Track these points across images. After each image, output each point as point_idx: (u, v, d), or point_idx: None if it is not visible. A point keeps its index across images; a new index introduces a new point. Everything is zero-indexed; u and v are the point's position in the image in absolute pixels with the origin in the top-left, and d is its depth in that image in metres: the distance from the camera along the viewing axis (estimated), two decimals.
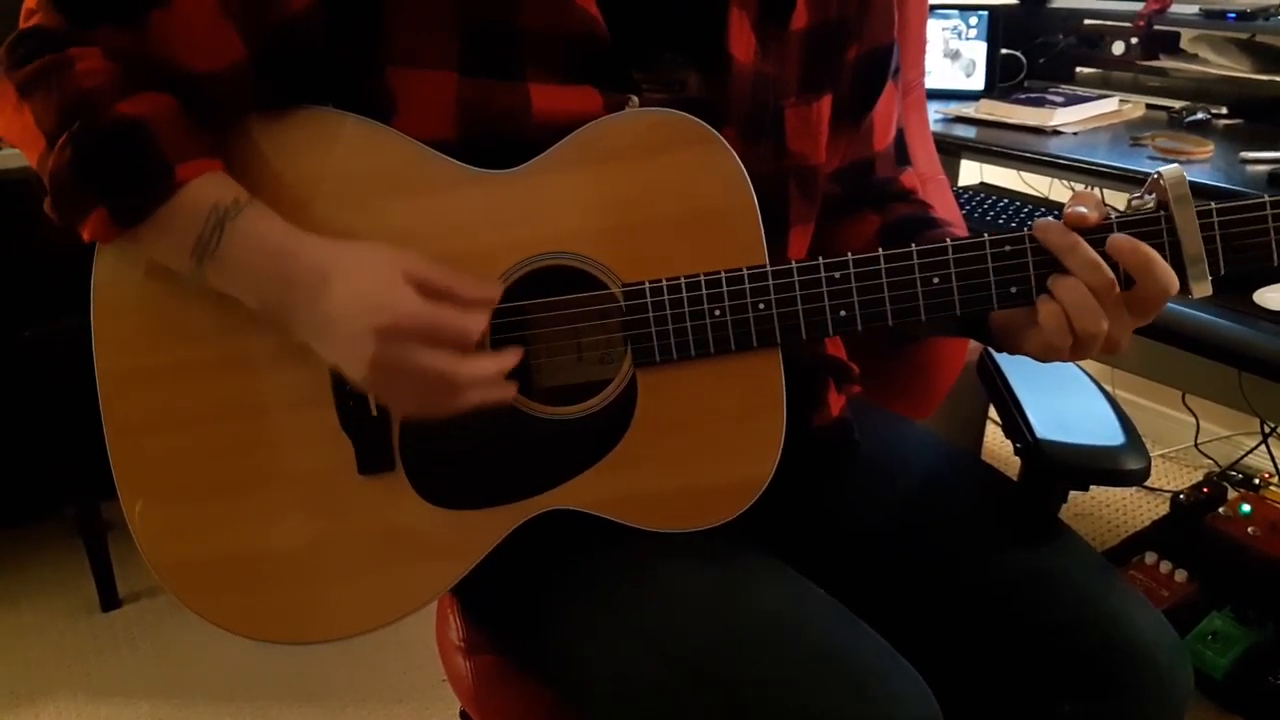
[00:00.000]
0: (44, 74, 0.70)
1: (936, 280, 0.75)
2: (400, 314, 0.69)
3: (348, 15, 0.74)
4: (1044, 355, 0.77)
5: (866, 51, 0.89)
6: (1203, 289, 0.73)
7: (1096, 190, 1.89)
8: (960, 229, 0.96)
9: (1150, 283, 0.72)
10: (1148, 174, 0.74)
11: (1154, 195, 0.74)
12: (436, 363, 0.70)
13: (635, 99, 0.78)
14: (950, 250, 0.75)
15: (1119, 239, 0.72)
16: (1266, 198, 0.72)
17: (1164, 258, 0.72)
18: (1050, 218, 0.74)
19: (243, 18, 0.72)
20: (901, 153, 0.98)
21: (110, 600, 1.94)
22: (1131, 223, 0.73)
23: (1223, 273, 0.73)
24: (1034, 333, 0.76)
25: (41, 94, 0.70)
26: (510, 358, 0.74)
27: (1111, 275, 0.72)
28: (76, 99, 0.70)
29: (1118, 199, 1.50)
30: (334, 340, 0.72)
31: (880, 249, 0.75)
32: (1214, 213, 0.72)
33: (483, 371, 0.72)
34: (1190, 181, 0.73)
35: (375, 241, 0.73)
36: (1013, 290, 0.75)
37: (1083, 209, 0.73)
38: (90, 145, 0.69)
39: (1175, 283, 0.72)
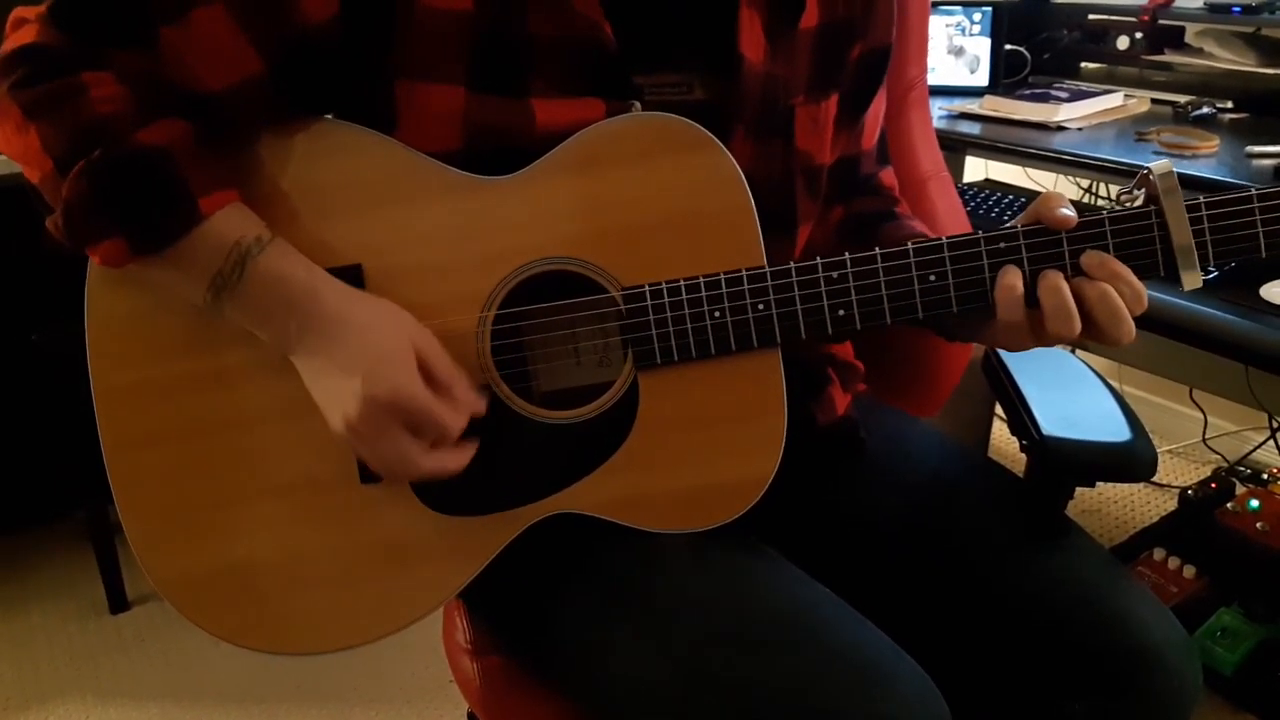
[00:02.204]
0: (55, 98, 0.69)
1: (933, 278, 0.75)
2: (398, 393, 0.70)
3: (364, 26, 0.73)
4: (1007, 344, 0.78)
5: (868, 51, 0.89)
6: (1193, 281, 0.74)
7: (1101, 186, 1.89)
8: (958, 222, 0.96)
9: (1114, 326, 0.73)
10: None
11: (1144, 190, 0.75)
12: (409, 450, 0.72)
13: (638, 105, 0.78)
14: (946, 248, 0.75)
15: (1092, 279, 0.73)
16: (1253, 190, 0.73)
17: (1155, 250, 0.74)
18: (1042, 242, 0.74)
19: (258, 30, 0.72)
20: (883, 152, 0.99)
21: (119, 603, 1.95)
22: (1122, 218, 0.74)
23: (1212, 264, 0.74)
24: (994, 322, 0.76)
25: (52, 118, 0.69)
26: (469, 451, 0.75)
27: (1114, 308, 0.73)
28: (94, 126, 0.68)
29: None
30: (325, 387, 0.73)
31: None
32: (1202, 206, 0.73)
33: (445, 467, 0.74)
34: (1196, 176, 0.73)
35: (395, 306, 0.74)
36: None
37: (1065, 211, 0.74)
38: (111, 174, 0.69)
39: (1133, 312, 0.73)
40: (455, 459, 0.74)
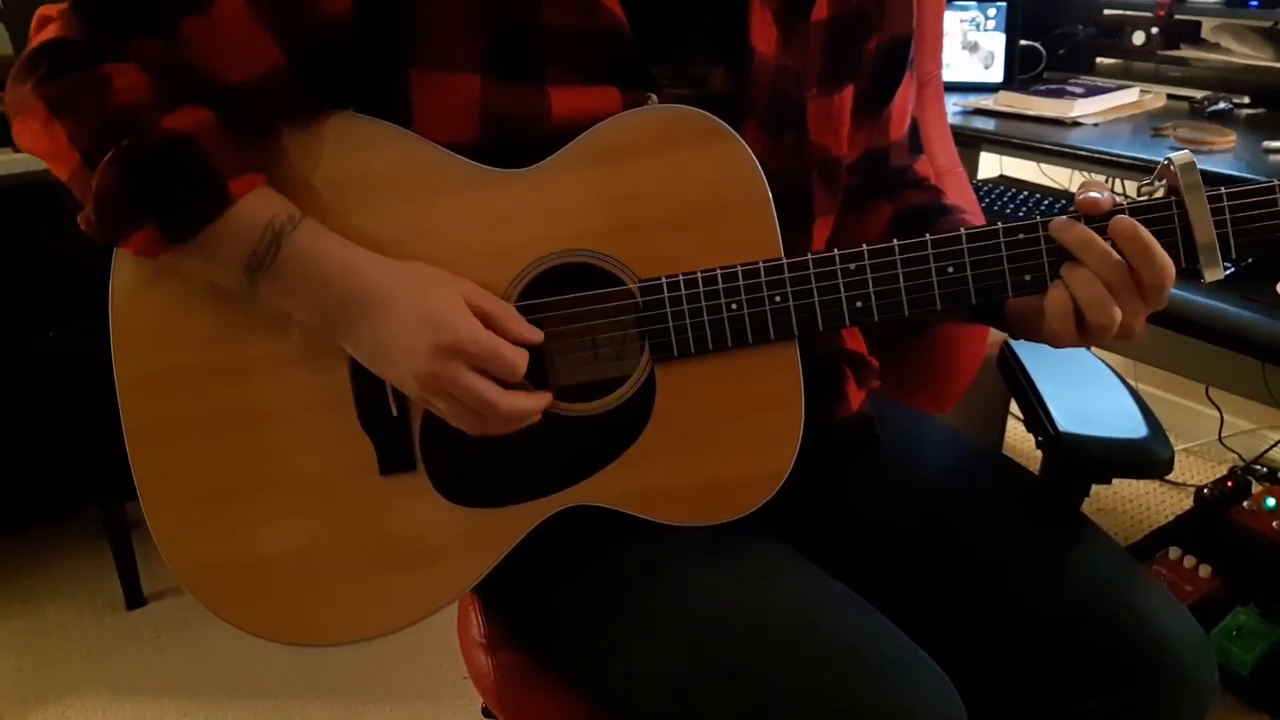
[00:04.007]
0: (78, 90, 0.69)
1: (951, 269, 0.75)
2: (461, 336, 0.71)
3: (380, 16, 0.74)
4: (1054, 342, 0.77)
5: (886, 42, 0.88)
6: (1214, 273, 0.73)
7: (1117, 182, 1.88)
8: (977, 216, 0.95)
9: (1148, 269, 0.72)
10: None
11: (1164, 181, 0.75)
12: (485, 391, 0.72)
13: (654, 97, 0.78)
14: (964, 239, 0.75)
15: (1122, 222, 0.72)
16: (1276, 182, 0.73)
17: (1176, 243, 0.73)
18: (1064, 216, 0.74)
19: (277, 22, 0.72)
20: (915, 141, 0.98)
21: (135, 598, 1.96)
22: (1143, 209, 0.74)
23: (1234, 256, 0.74)
24: (1045, 319, 0.76)
25: (77, 111, 0.69)
26: (545, 398, 0.76)
27: (1127, 272, 0.72)
28: (119, 116, 0.69)
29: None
30: (390, 356, 0.73)
31: (892, 238, 0.75)
32: (1224, 197, 0.73)
33: (522, 408, 0.74)
34: (1213, 172, 0.73)
35: (429, 266, 0.74)
36: (1027, 278, 0.75)
37: (1094, 195, 0.73)
38: (140, 162, 0.69)
39: (1172, 268, 0.72)
40: (535, 402, 0.75)
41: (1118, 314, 0.72)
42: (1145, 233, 0.72)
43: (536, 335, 0.75)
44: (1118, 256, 0.72)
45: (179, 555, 0.80)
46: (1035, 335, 0.80)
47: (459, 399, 0.72)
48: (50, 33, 0.72)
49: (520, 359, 0.73)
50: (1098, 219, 0.73)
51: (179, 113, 0.70)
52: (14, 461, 2.03)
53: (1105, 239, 0.72)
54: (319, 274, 0.72)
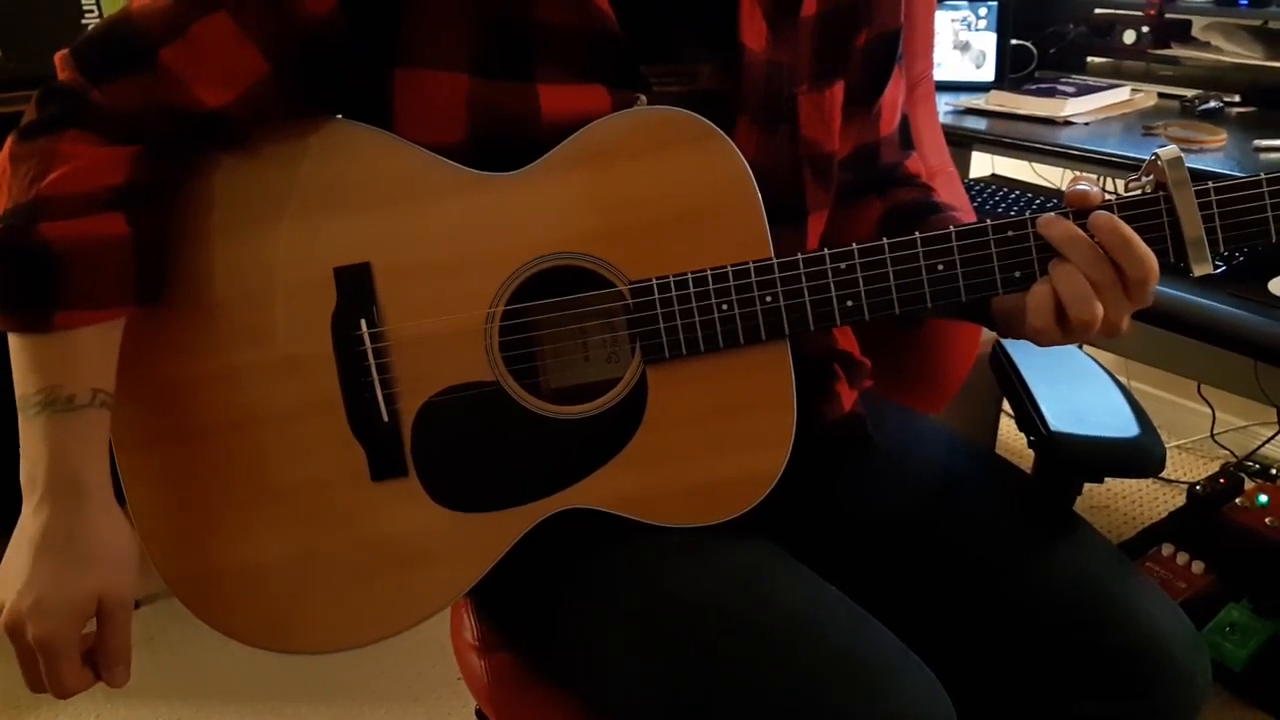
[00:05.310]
0: (26, 159, 0.71)
1: (941, 267, 0.75)
2: (55, 628, 0.73)
3: (366, 16, 0.73)
4: (1036, 339, 0.77)
5: (875, 36, 0.88)
6: (1203, 268, 0.74)
7: (1108, 181, 1.89)
8: (968, 214, 0.95)
9: (1130, 262, 0.72)
10: None
11: (1152, 177, 0.75)
12: (31, 669, 0.75)
13: (643, 98, 0.78)
14: (954, 237, 0.75)
15: (1099, 217, 0.73)
16: (1263, 175, 0.73)
17: (1165, 238, 0.74)
18: (1052, 213, 0.74)
19: (261, 31, 0.72)
20: (905, 137, 0.98)
21: None
22: (1131, 205, 0.74)
23: (1222, 250, 0.74)
24: (1026, 315, 0.76)
25: (16, 175, 0.72)
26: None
27: (1111, 267, 0.72)
28: (27, 201, 0.70)
29: None
30: (28, 560, 0.71)
31: (883, 235, 0.75)
32: (1211, 192, 0.73)
33: (68, 687, 0.77)
34: (1204, 170, 0.73)
35: (123, 542, 0.73)
36: (1016, 275, 0.75)
37: (1083, 188, 0.74)
38: (6, 250, 0.71)
39: (1154, 262, 0.72)
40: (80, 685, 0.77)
41: (1099, 310, 0.73)
42: (1124, 226, 0.72)
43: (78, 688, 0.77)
44: (1101, 252, 0.72)
45: (168, 564, 0.79)
46: (1019, 332, 0.80)
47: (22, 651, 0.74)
48: (59, 75, 0.74)
49: (65, 685, 0.76)
50: (1085, 215, 0.73)
51: (83, 221, 0.71)
52: (8, 465, 2.02)
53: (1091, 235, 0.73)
54: (49, 464, 0.71)
